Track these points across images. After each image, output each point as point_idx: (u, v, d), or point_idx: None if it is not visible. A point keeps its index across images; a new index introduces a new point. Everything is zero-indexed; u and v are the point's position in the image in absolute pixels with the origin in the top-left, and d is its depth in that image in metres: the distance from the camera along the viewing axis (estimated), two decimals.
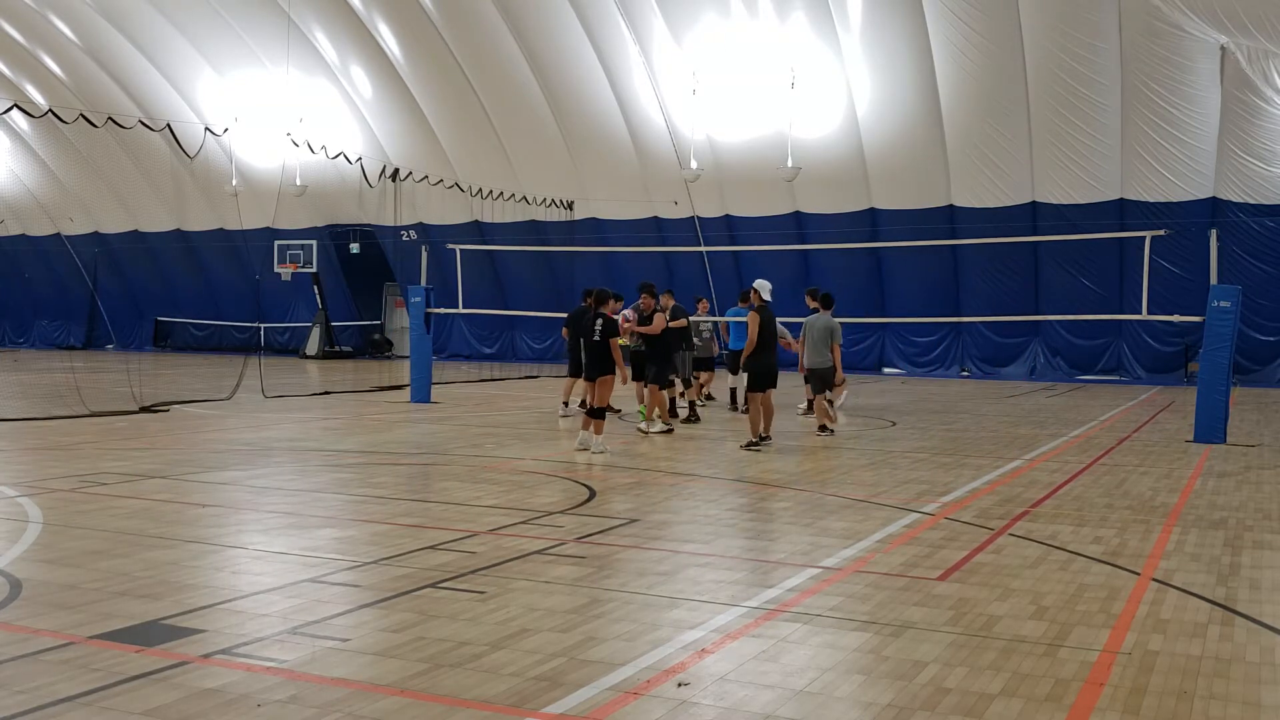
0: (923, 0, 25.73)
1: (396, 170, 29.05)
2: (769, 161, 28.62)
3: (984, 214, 27.90)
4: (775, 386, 13.79)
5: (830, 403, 15.65)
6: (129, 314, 43.29)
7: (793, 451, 13.50)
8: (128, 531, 7.93)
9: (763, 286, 13.71)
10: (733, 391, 18.72)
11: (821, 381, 15.21)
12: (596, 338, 12.98)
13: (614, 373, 12.98)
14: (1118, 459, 13.08)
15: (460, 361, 34.46)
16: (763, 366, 13.62)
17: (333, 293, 38.37)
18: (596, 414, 12.94)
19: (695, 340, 18.08)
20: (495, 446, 13.61)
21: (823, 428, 14.92)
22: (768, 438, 13.74)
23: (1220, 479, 11.50)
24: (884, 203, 29.73)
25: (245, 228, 35.13)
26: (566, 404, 17.48)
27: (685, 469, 11.71)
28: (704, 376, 18.80)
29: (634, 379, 15.68)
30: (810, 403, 16.70)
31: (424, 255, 21.94)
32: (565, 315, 18.85)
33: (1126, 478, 11.49)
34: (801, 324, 15.76)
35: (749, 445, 13.39)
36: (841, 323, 15.96)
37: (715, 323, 18.43)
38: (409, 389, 20.37)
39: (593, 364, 13.08)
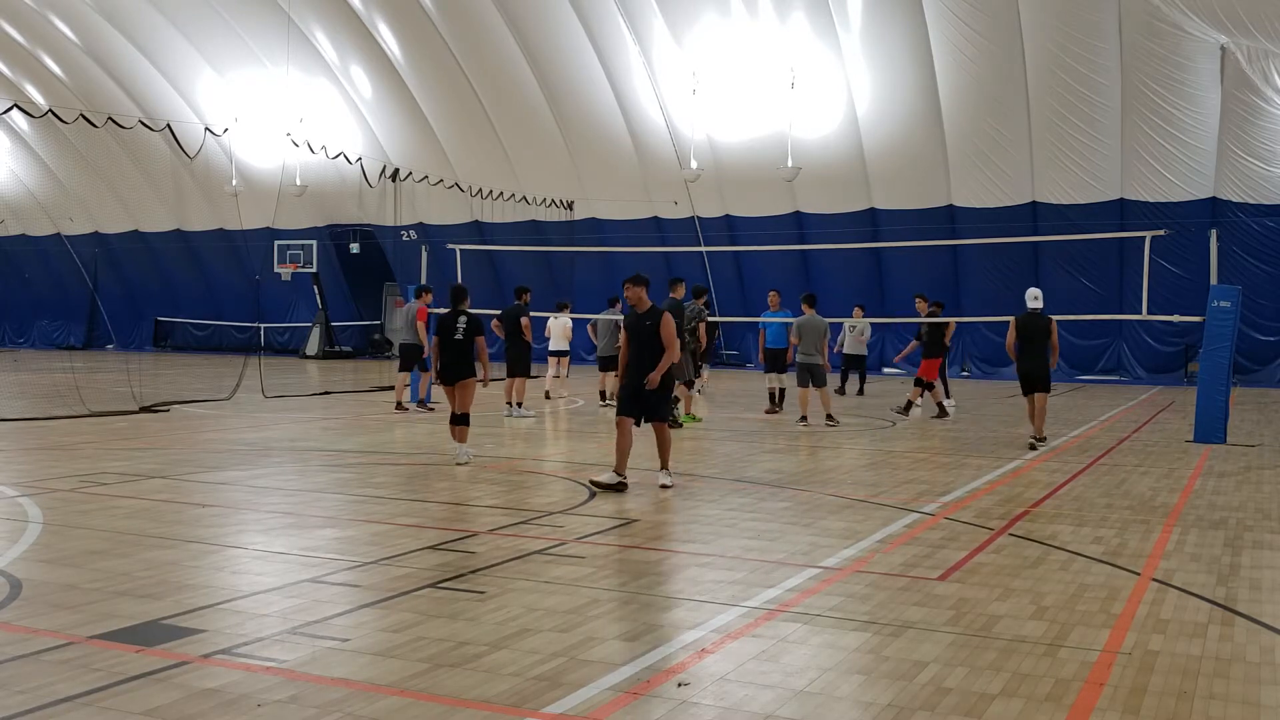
0: (923, 0, 25.73)
1: (396, 170, 29.03)
2: (769, 161, 28.62)
3: (984, 214, 27.90)
4: (1043, 390, 14.07)
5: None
6: (129, 314, 43.31)
7: (792, 451, 13.51)
8: (128, 531, 7.93)
9: (1031, 295, 14.29)
10: (771, 393, 18.73)
11: (811, 376, 16.28)
12: (459, 336, 11.96)
13: (475, 375, 12.06)
14: (1118, 459, 13.08)
15: None
16: (1021, 370, 14.15)
17: (333, 293, 38.38)
18: (461, 420, 12.00)
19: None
20: (495, 446, 13.61)
21: (829, 417, 16.21)
22: (1043, 438, 14.16)
23: (1220, 479, 11.50)
24: (884, 203, 29.73)
25: (245, 228, 35.14)
26: (510, 404, 17.37)
27: (685, 469, 11.70)
28: (604, 378, 19.04)
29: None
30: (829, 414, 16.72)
31: (424, 255, 21.95)
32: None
33: (1126, 478, 11.49)
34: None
35: (1032, 444, 13.93)
36: (840, 323, 16.74)
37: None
38: (409, 390, 20.31)
39: (455, 366, 11.99)
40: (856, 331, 22.11)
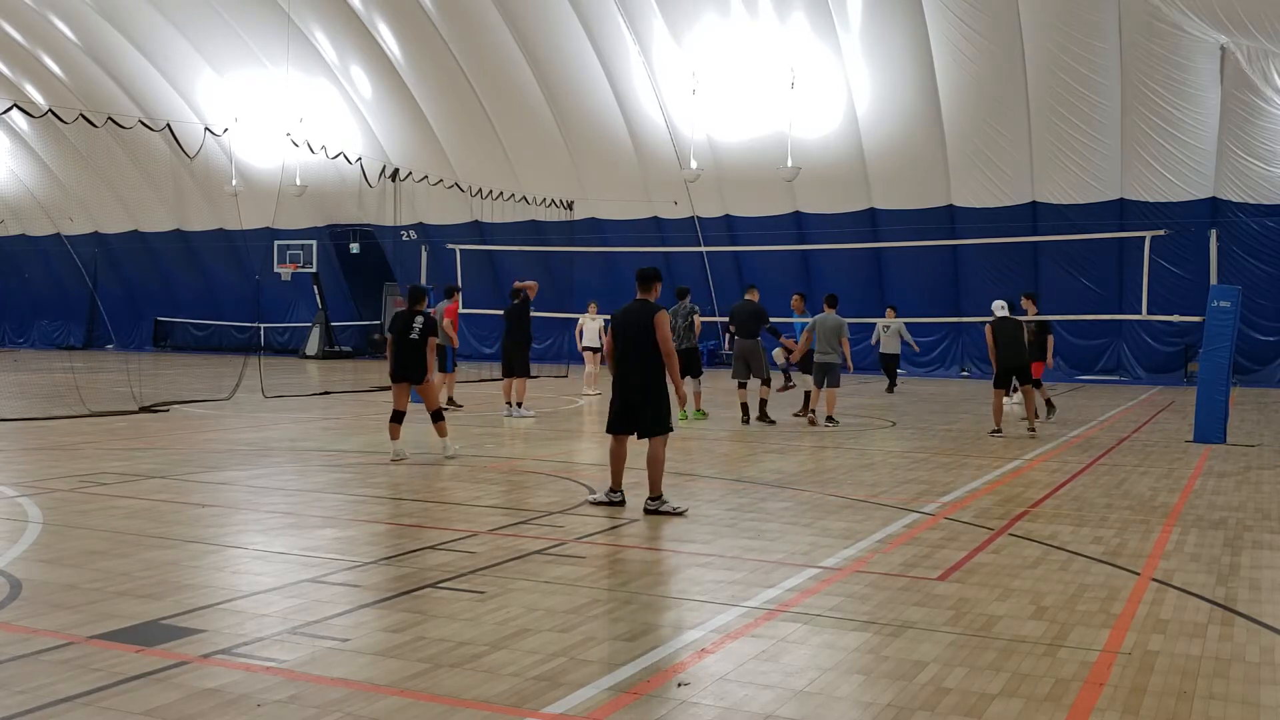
0: (923, 0, 25.73)
1: (396, 170, 29.04)
2: (769, 161, 28.63)
3: (984, 214, 27.90)
4: (1027, 381, 15.67)
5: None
6: (129, 314, 43.31)
7: (793, 451, 13.51)
8: (128, 531, 7.93)
9: (996, 305, 15.92)
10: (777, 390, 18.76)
11: (824, 374, 16.29)
12: (414, 336, 12.05)
13: (427, 374, 12.16)
14: (1118, 459, 13.08)
15: (460, 361, 34.40)
16: (1004, 366, 15.50)
17: (333, 293, 38.38)
18: (436, 417, 12.25)
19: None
20: (495, 446, 13.61)
21: (830, 418, 16.30)
22: (1033, 430, 15.53)
23: (1220, 479, 11.50)
24: (884, 203, 29.73)
25: (245, 228, 35.13)
26: (509, 404, 17.43)
27: (685, 469, 11.70)
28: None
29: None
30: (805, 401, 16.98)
31: (424, 255, 21.97)
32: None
33: (1126, 478, 11.49)
34: (808, 323, 17.20)
35: (992, 433, 15.38)
36: (847, 323, 17.07)
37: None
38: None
39: (413, 365, 12.12)
40: (890, 332, 23.82)
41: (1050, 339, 18.51)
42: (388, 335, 12.30)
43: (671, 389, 9.20)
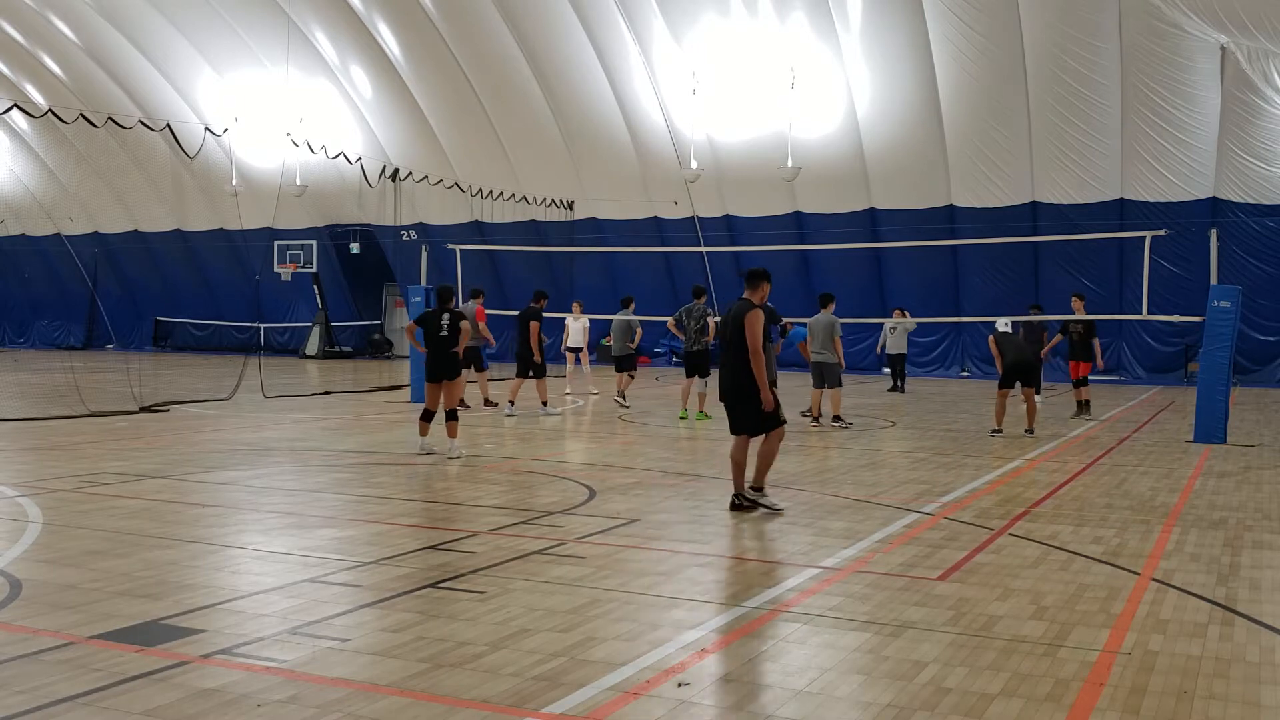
0: (923, 0, 25.73)
1: (396, 170, 29.03)
2: (769, 161, 28.62)
3: (984, 214, 27.90)
4: (1031, 386, 15.50)
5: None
6: (129, 314, 43.31)
7: (793, 451, 13.50)
8: (128, 531, 7.93)
9: (1000, 323, 16.12)
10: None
11: (821, 374, 16.32)
12: (444, 333, 12.21)
13: (460, 373, 12.33)
14: (1118, 459, 13.07)
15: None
16: (1007, 365, 15.30)
17: (333, 293, 38.38)
18: (451, 416, 12.26)
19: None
20: (495, 446, 13.61)
21: (837, 418, 16.24)
22: (1031, 430, 15.45)
23: (1220, 479, 11.50)
24: (884, 203, 29.73)
25: (245, 228, 35.14)
26: (511, 404, 17.54)
27: (685, 469, 11.70)
28: (620, 378, 19.38)
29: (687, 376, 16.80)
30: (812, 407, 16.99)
31: (424, 255, 21.97)
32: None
33: (1126, 478, 11.48)
34: (807, 323, 17.17)
35: (993, 433, 15.37)
36: (842, 322, 17.03)
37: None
38: (409, 389, 20.38)
39: (442, 364, 12.27)
40: (898, 332, 23.95)
41: (1096, 341, 18.57)
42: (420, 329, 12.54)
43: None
